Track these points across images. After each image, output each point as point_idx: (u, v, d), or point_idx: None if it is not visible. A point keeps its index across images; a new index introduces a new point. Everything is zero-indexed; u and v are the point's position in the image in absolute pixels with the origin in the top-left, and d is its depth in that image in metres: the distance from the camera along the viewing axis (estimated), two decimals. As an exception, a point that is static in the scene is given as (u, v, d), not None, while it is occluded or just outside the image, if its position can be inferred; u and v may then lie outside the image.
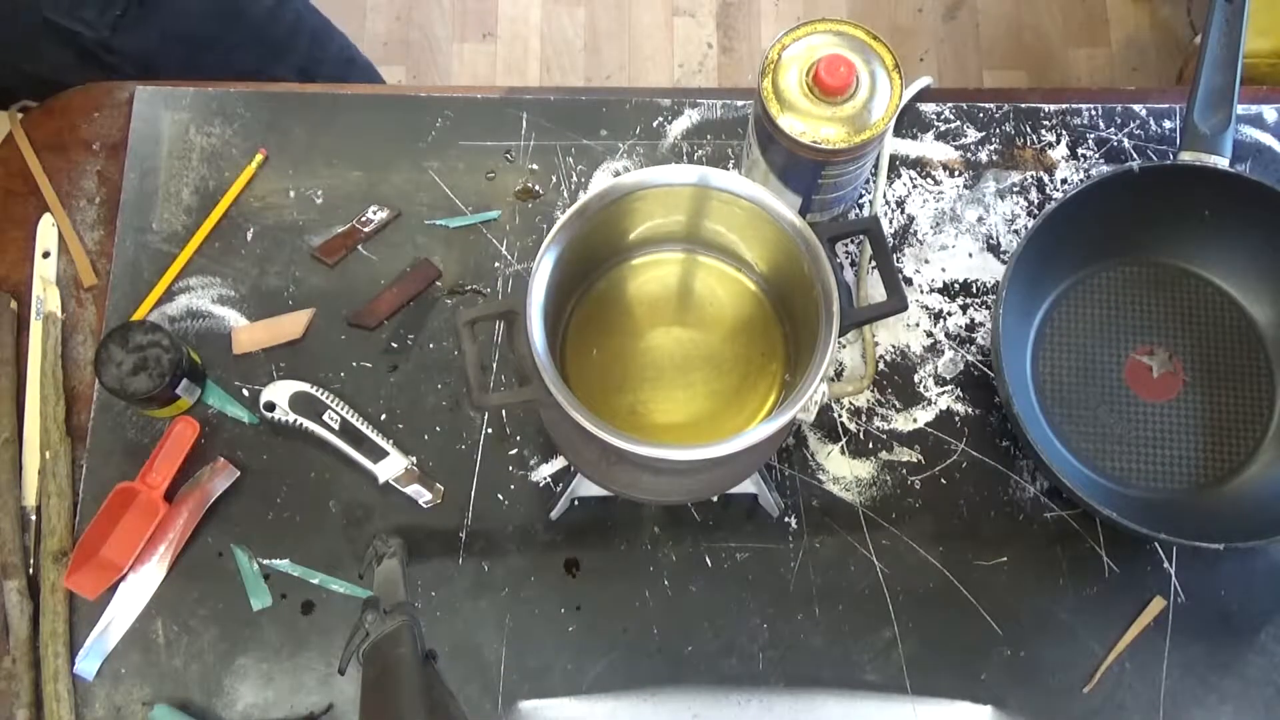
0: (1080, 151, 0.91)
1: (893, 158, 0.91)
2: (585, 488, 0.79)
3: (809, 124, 0.74)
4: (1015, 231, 0.89)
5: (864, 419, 0.85)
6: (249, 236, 0.88)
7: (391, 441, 0.82)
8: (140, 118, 0.91)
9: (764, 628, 0.80)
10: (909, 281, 0.88)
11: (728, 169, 0.86)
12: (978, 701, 0.79)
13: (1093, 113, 0.92)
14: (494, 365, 0.85)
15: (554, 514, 0.81)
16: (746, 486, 0.78)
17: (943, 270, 0.89)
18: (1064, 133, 0.92)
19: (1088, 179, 0.82)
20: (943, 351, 0.87)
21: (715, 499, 0.82)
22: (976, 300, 0.88)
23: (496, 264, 0.88)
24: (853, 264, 0.89)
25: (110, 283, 0.86)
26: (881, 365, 0.86)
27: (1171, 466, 0.83)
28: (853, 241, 0.90)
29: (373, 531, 0.81)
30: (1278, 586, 0.82)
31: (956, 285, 0.88)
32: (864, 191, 0.90)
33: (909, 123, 0.92)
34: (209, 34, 1.00)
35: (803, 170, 0.78)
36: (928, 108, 0.92)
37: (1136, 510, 0.79)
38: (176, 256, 0.87)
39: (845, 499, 0.83)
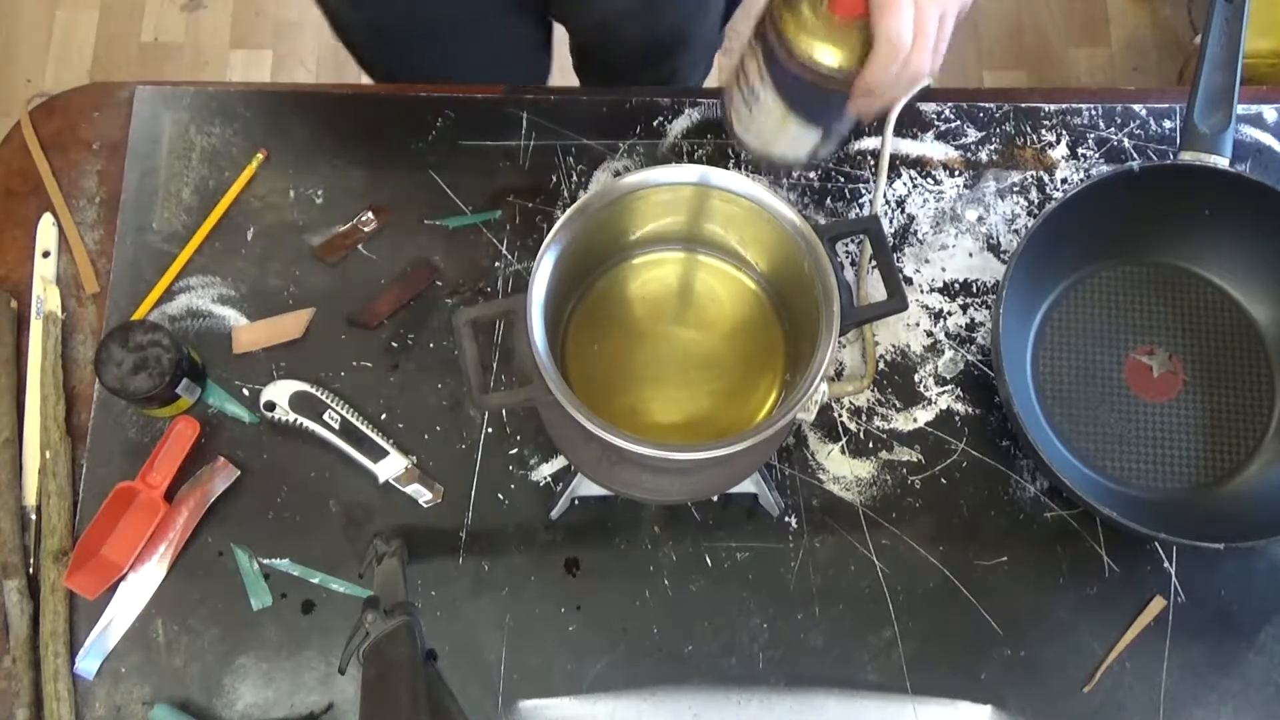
0: (1080, 151, 0.91)
1: (893, 157, 0.91)
2: (585, 487, 0.79)
3: (833, 52, 0.70)
4: (1015, 231, 0.89)
5: (864, 419, 0.85)
6: (249, 236, 0.88)
7: (391, 441, 0.82)
8: (140, 117, 0.91)
9: (764, 628, 0.80)
10: (909, 281, 0.88)
11: (728, 168, 0.86)
12: (978, 701, 0.79)
13: (1093, 113, 0.92)
14: (494, 365, 0.85)
15: (554, 514, 0.81)
16: (746, 486, 0.78)
17: (943, 270, 0.89)
18: (1064, 133, 0.92)
19: (1088, 179, 0.82)
20: (943, 351, 0.87)
21: (715, 499, 0.82)
22: (976, 300, 0.88)
23: (496, 264, 0.88)
24: (853, 263, 0.89)
25: (110, 282, 0.86)
26: (881, 365, 0.86)
27: (1171, 466, 0.83)
28: (853, 241, 0.90)
29: (373, 531, 0.81)
30: (1278, 586, 0.82)
31: (956, 285, 0.88)
32: (866, 191, 0.90)
33: (909, 122, 0.92)
34: None
35: (827, 102, 0.74)
36: (928, 107, 0.92)
37: (1136, 510, 0.79)
38: (177, 256, 0.87)
39: (845, 499, 0.83)
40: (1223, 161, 0.82)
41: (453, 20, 0.98)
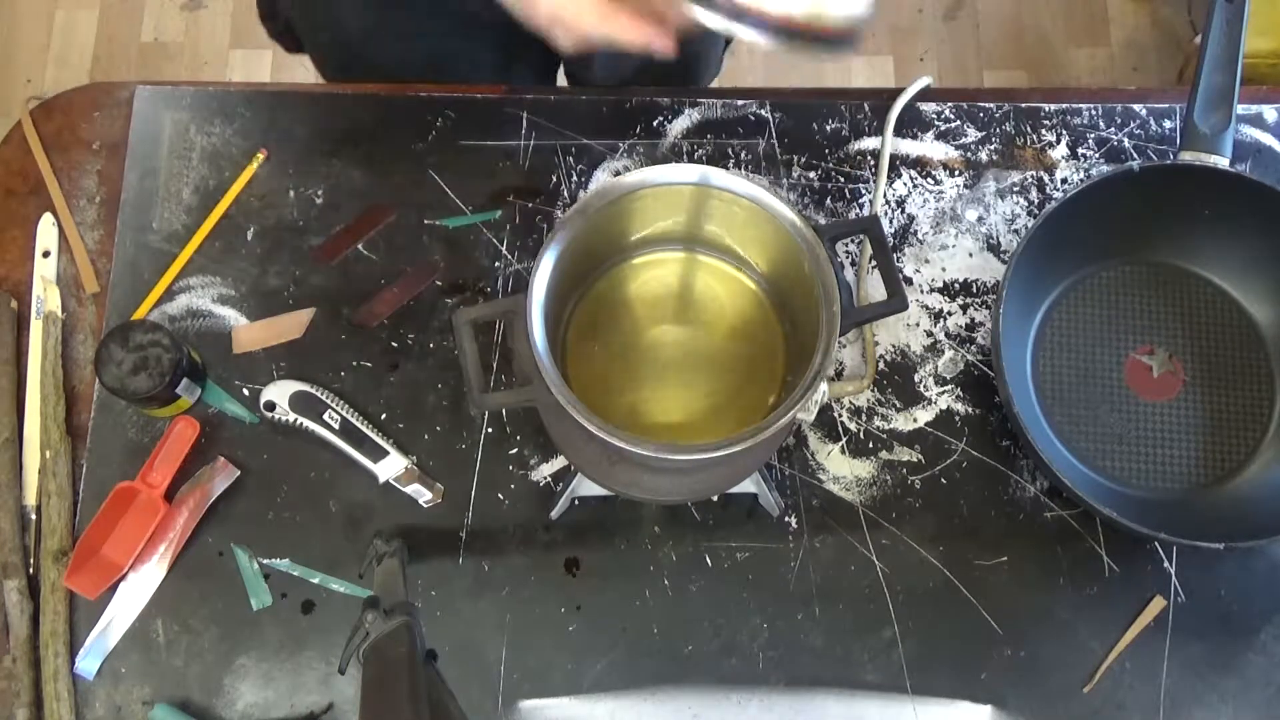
0: (1080, 151, 0.91)
1: (893, 157, 0.91)
2: (585, 487, 0.79)
3: None
4: (1015, 231, 0.89)
5: (864, 419, 0.85)
6: (249, 236, 0.88)
7: (391, 441, 0.82)
8: (140, 117, 0.90)
9: (764, 627, 0.80)
10: (909, 281, 0.88)
11: (728, 169, 0.86)
12: (978, 701, 0.79)
13: (1093, 112, 0.92)
14: (494, 365, 0.85)
15: (554, 514, 0.81)
16: (746, 486, 0.78)
17: (943, 270, 0.89)
18: (1064, 132, 0.92)
19: (1088, 179, 0.82)
20: (943, 351, 0.87)
21: (715, 499, 0.82)
22: (976, 300, 0.88)
23: (496, 264, 0.88)
24: (853, 263, 0.89)
25: (110, 282, 0.86)
26: (882, 365, 0.86)
27: (1171, 466, 0.83)
28: (853, 241, 0.90)
29: (373, 531, 0.81)
30: (1278, 586, 0.82)
31: (956, 285, 0.88)
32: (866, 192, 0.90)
33: (909, 122, 0.92)
34: None
35: None
36: (928, 107, 0.92)
37: (1136, 510, 0.79)
38: (177, 256, 0.87)
39: (845, 499, 0.83)
40: (1223, 161, 0.82)
41: (456, 70, 0.97)
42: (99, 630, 0.79)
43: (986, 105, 0.93)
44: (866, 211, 0.90)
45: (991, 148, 0.91)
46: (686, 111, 0.92)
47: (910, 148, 0.92)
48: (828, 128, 0.92)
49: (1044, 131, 0.92)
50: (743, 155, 0.91)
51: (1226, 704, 0.79)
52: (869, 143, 0.91)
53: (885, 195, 0.90)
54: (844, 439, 0.84)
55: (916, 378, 0.86)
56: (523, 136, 0.91)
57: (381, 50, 0.97)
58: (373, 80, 0.94)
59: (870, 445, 0.84)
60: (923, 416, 0.85)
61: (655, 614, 0.81)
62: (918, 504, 0.83)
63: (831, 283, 0.66)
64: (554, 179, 0.90)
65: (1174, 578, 0.82)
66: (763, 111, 0.92)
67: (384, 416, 0.84)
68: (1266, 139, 0.92)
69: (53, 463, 0.81)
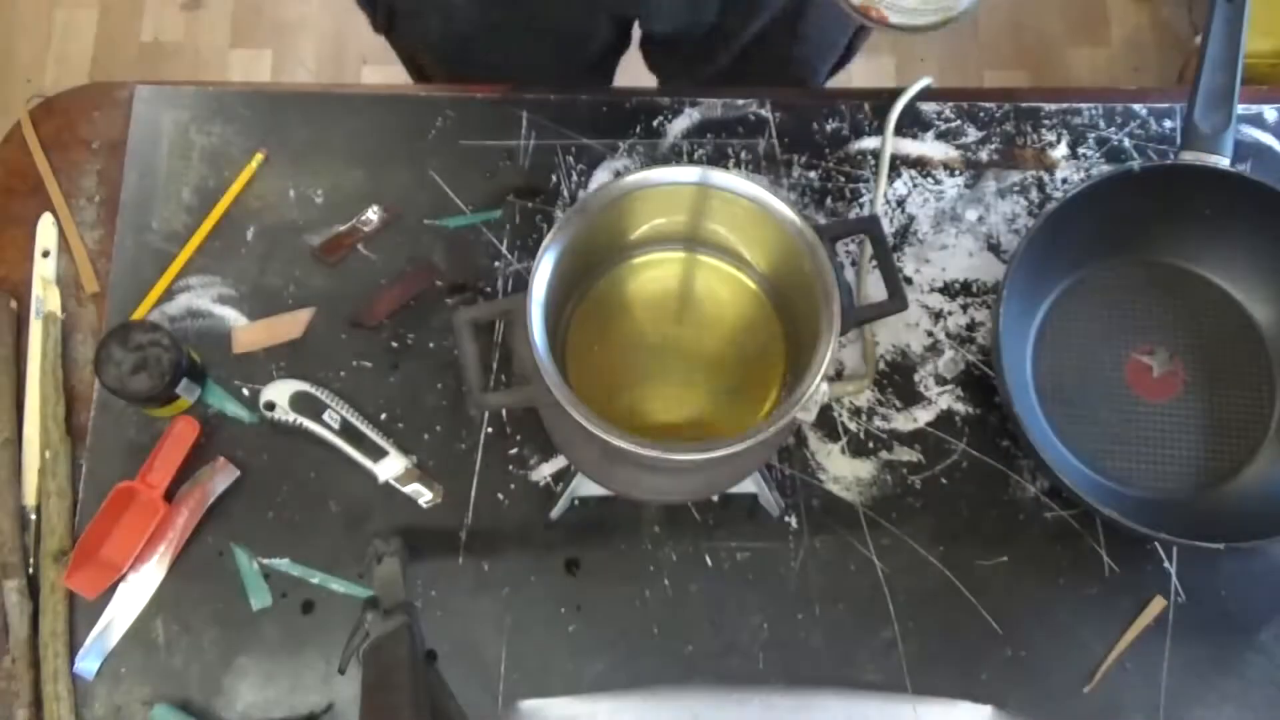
0: (1080, 151, 0.91)
1: (893, 157, 0.91)
2: (585, 487, 0.79)
3: None
4: (1015, 231, 0.89)
5: (864, 418, 0.85)
6: (249, 236, 0.88)
7: (391, 441, 0.82)
8: (140, 117, 0.90)
9: (764, 627, 0.80)
10: (909, 281, 0.88)
11: (728, 169, 0.86)
12: (978, 701, 0.79)
13: (1093, 112, 0.92)
14: (494, 365, 0.85)
15: (554, 514, 0.81)
16: (746, 486, 0.78)
17: (943, 270, 0.88)
18: (1064, 132, 0.92)
19: (1088, 179, 0.82)
20: (943, 351, 0.87)
21: (715, 499, 0.82)
22: (976, 300, 0.88)
23: (496, 264, 0.88)
24: (853, 263, 0.89)
25: (110, 282, 0.86)
26: (882, 364, 0.86)
27: (1171, 466, 0.83)
28: (853, 241, 0.89)
29: (373, 531, 0.81)
30: (1278, 586, 0.82)
31: (957, 285, 0.88)
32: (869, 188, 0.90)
33: (909, 122, 0.92)
34: None
35: None
36: (928, 107, 0.92)
37: (1136, 510, 0.79)
38: (176, 256, 0.87)
39: (845, 499, 0.83)
40: (1223, 161, 0.82)
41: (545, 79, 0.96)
42: (99, 630, 0.79)
43: (987, 105, 0.93)
44: (867, 211, 0.90)
45: (992, 147, 0.91)
46: (687, 111, 0.92)
47: (910, 147, 0.91)
48: (828, 127, 0.92)
49: (1044, 131, 0.92)
50: (743, 155, 0.91)
51: (1227, 704, 0.79)
52: (869, 142, 0.91)
53: (885, 195, 0.90)
54: (844, 439, 0.84)
55: (916, 377, 0.86)
56: (523, 136, 0.91)
57: (490, 51, 0.97)
58: (474, 78, 0.94)
59: (870, 445, 0.84)
60: (923, 416, 0.85)
61: (655, 614, 0.80)
62: (918, 504, 0.83)
63: (832, 282, 0.66)
64: (554, 179, 0.90)
65: (1174, 578, 0.82)
66: (763, 111, 0.92)
67: (384, 416, 0.84)
68: (1267, 139, 0.92)
69: (52, 463, 0.81)
